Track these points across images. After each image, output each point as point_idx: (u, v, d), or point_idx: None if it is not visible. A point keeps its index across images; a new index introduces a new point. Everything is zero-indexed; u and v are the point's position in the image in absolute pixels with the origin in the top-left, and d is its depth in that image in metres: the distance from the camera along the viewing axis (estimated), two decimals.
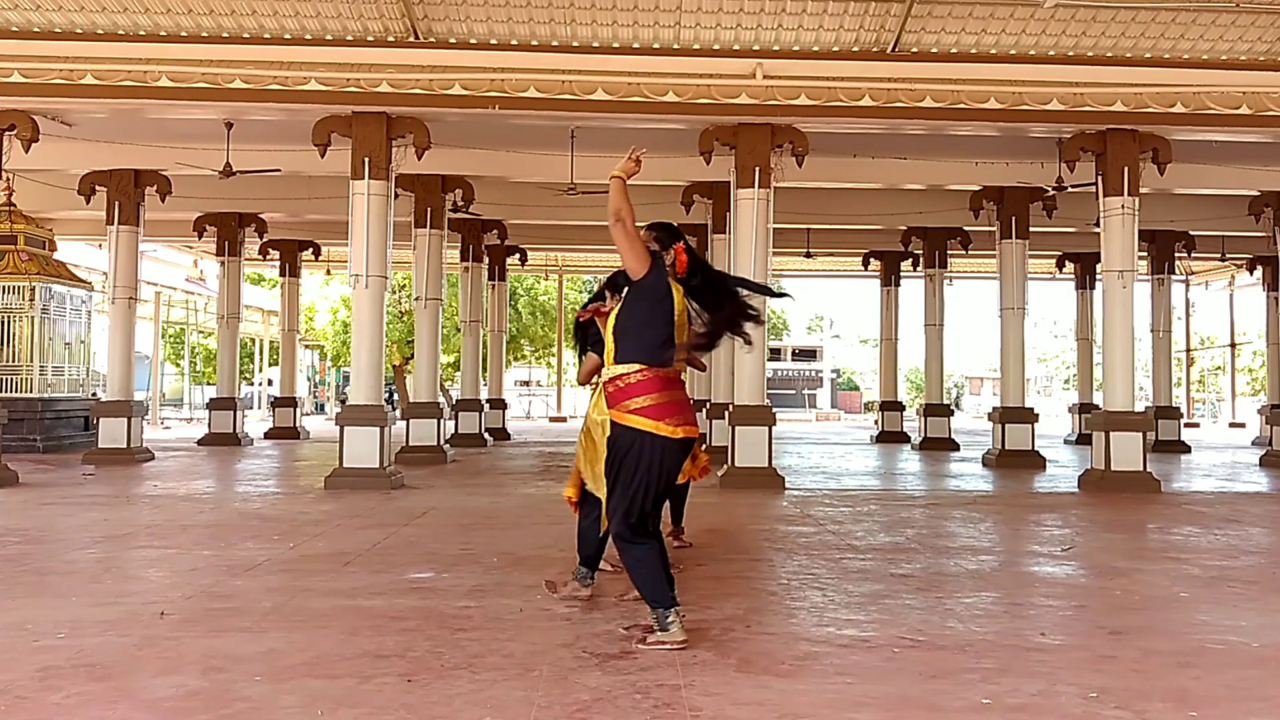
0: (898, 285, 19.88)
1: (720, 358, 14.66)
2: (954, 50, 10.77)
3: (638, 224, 4.27)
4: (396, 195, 11.35)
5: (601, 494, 4.38)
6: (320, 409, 37.38)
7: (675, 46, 10.59)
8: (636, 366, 4.13)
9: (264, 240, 18.48)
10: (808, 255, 19.86)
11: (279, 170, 13.12)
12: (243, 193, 14.97)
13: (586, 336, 5.31)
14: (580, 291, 36.36)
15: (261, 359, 34.12)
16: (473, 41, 10.53)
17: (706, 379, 16.25)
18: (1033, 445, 14.03)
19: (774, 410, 11.16)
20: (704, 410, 15.04)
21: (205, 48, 10.22)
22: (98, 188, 13.51)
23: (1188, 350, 31.32)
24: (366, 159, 10.44)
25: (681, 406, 4.16)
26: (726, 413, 11.23)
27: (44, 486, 10.29)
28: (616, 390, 4.15)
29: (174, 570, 5.79)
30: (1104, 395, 11.48)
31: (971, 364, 60.66)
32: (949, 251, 17.46)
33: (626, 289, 4.31)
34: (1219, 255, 20.19)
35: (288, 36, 10.44)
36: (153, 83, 10.04)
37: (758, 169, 10.65)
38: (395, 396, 32.25)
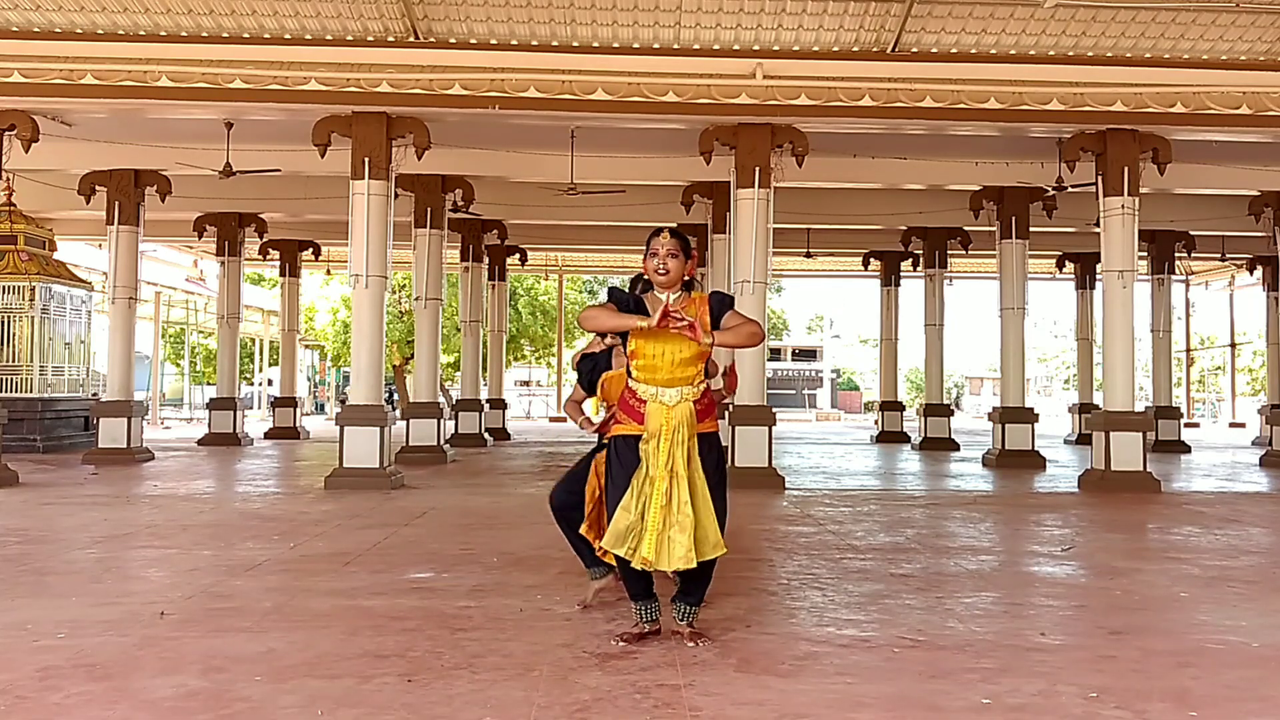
0: (898, 285, 19.89)
1: (720, 358, 14.64)
2: (954, 50, 10.77)
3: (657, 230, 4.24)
4: (396, 195, 11.34)
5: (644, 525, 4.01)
6: (320, 409, 37.38)
7: (675, 46, 10.59)
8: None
9: (264, 240, 18.48)
10: (808, 255, 19.87)
11: (279, 170, 13.12)
12: (243, 193, 14.97)
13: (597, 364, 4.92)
14: (580, 291, 36.34)
15: (261, 359, 34.13)
16: (473, 41, 10.53)
17: None
18: (1033, 445, 14.03)
19: (774, 410, 11.16)
20: None
21: (205, 48, 10.22)
22: (98, 188, 13.51)
23: (1188, 350, 31.31)
24: (366, 159, 10.44)
25: None
26: (726, 413, 11.22)
27: (44, 486, 10.29)
28: (712, 402, 4.26)
29: (174, 570, 5.79)
30: (1104, 395, 11.48)
31: (971, 364, 60.66)
32: (949, 251, 17.45)
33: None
34: (1219, 255, 20.18)
35: (288, 36, 10.43)
36: (153, 83, 10.04)
37: (758, 169, 10.65)
38: (395, 396, 32.25)
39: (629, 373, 4.20)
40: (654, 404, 4.08)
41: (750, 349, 10.68)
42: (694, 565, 3.98)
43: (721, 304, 4.21)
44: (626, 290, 4.34)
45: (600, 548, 4.51)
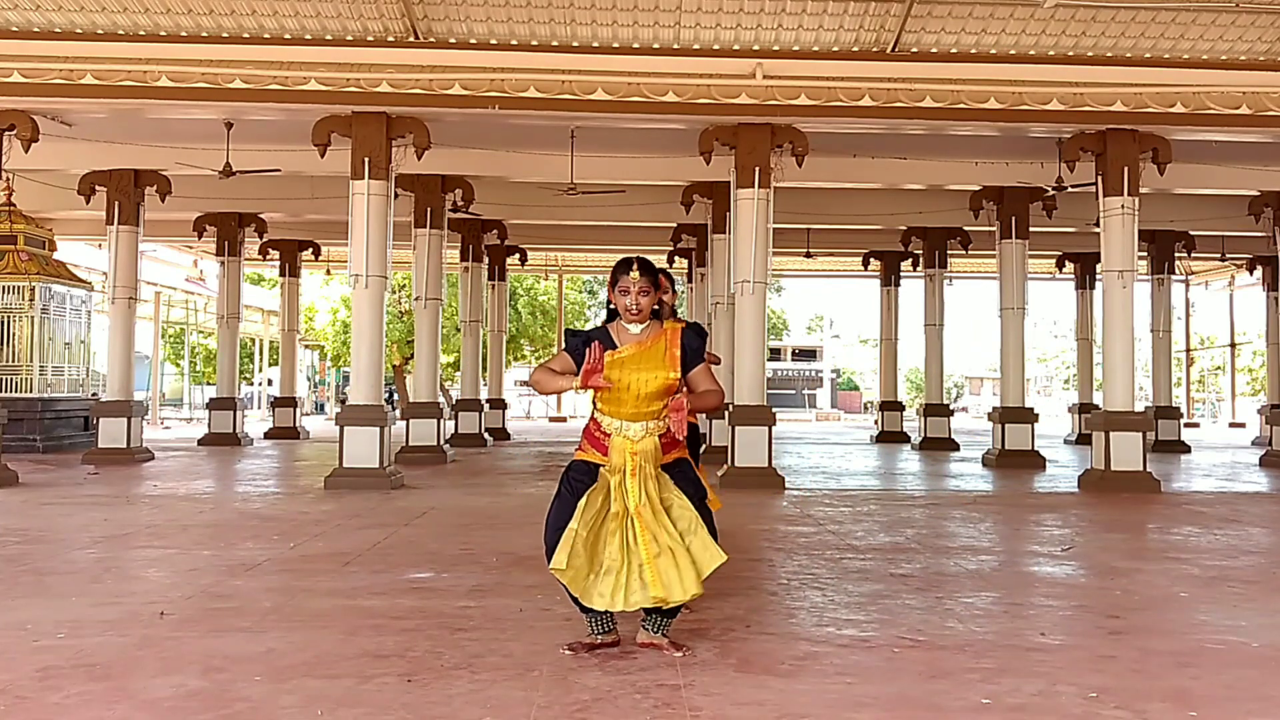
0: (898, 285, 19.89)
1: (720, 358, 14.69)
2: (954, 50, 10.77)
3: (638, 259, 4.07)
4: (396, 195, 11.35)
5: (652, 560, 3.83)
6: (320, 409, 37.38)
7: (675, 46, 10.59)
8: None
9: (264, 240, 18.49)
10: (808, 255, 19.88)
11: (279, 170, 13.12)
12: (243, 193, 14.97)
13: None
14: (580, 292, 36.34)
15: (261, 359, 34.13)
16: (473, 41, 10.53)
17: None
18: (1033, 445, 14.03)
19: (774, 410, 11.16)
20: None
21: (205, 48, 10.22)
22: (98, 188, 13.51)
23: (1188, 350, 31.31)
24: (366, 159, 10.44)
25: None
26: (726, 413, 11.22)
27: (44, 486, 10.29)
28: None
29: (174, 570, 5.79)
30: (1104, 395, 11.48)
31: (971, 364, 60.68)
32: (949, 251, 17.46)
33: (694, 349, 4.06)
34: (1219, 255, 20.20)
35: (288, 36, 10.43)
36: (153, 83, 10.04)
37: (758, 169, 10.65)
38: (395, 396, 32.25)
39: (594, 404, 4.07)
40: (618, 438, 3.94)
41: (751, 350, 10.75)
42: (667, 604, 3.83)
43: (696, 350, 4.04)
44: (605, 316, 4.23)
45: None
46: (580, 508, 3.88)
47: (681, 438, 3.96)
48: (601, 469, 3.97)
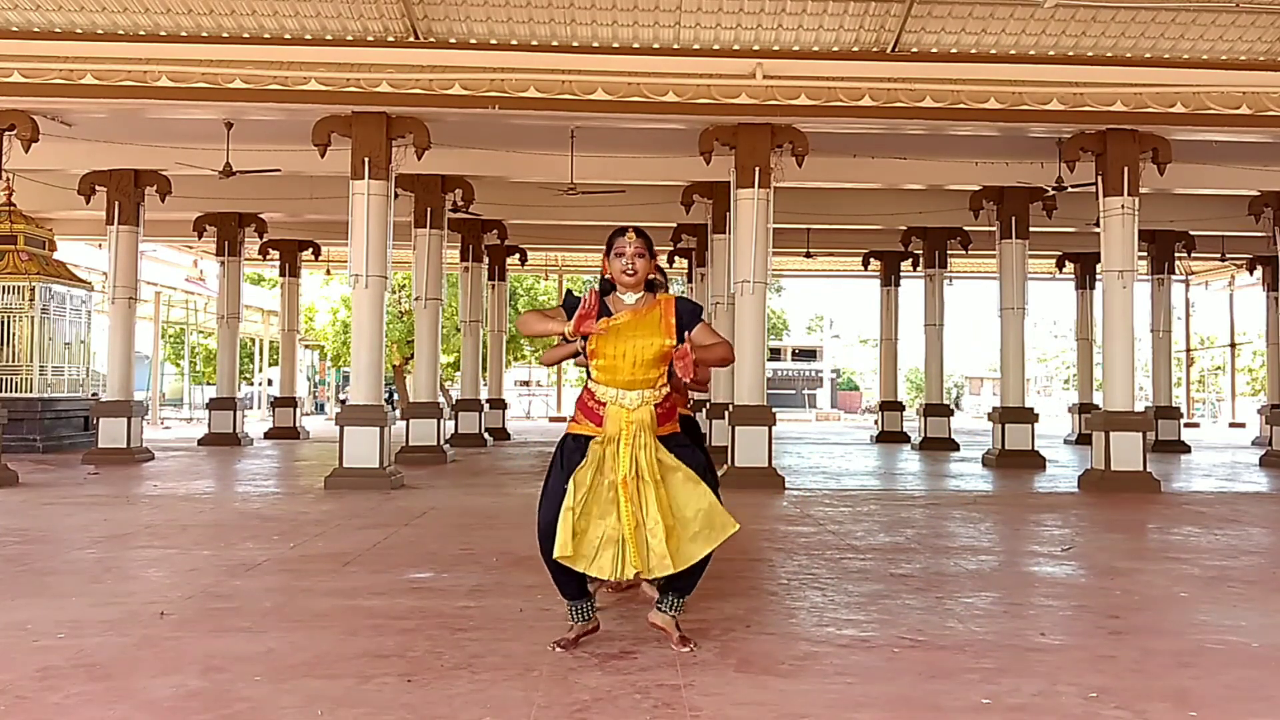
0: (898, 285, 19.89)
1: None
2: (954, 50, 10.77)
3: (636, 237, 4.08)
4: (396, 195, 11.35)
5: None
6: (320, 409, 37.38)
7: (675, 46, 10.59)
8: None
9: (264, 240, 18.49)
10: (808, 255, 19.88)
11: (279, 170, 13.12)
12: (243, 193, 14.97)
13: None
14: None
15: (261, 359, 34.13)
16: (473, 41, 10.53)
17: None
18: (1033, 445, 14.03)
19: (774, 410, 11.16)
20: (704, 410, 15.05)
21: (205, 48, 10.22)
22: (98, 188, 13.51)
23: (1188, 350, 31.31)
24: (366, 159, 10.44)
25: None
26: (726, 413, 11.22)
27: (44, 486, 10.29)
28: (674, 406, 4.13)
29: (174, 570, 5.79)
30: (1104, 395, 11.48)
31: (971, 364, 60.68)
32: (949, 251, 17.46)
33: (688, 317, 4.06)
34: (1219, 255, 20.20)
35: (288, 36, 10.43)
36: (153, 83, 10.04)
37: (758, 169, 10.65)
38: (395, 396, 32.24)
39: (588, 373, 4.05)
40: (614, 407, 3.93)
41: (751, 350, 10.74)
42: (680, 569, 3.85)
43: (691, 312, 4.07)
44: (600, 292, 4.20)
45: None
46: (571, 488, 3.83)
47: (688, 380, 3.97)
48: (592, 441, 3.94)
